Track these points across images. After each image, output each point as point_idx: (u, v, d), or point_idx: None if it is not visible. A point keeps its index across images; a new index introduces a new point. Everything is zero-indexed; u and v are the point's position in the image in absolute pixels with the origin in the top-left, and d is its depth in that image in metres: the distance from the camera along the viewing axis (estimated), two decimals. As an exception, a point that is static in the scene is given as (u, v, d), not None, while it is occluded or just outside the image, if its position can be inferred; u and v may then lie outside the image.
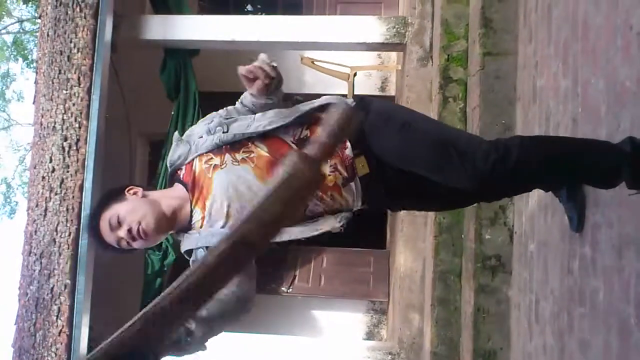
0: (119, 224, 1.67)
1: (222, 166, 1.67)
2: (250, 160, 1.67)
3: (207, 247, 1.65)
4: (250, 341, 4.67)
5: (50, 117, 4.72)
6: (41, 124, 4.79)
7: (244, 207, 1.62)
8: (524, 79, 3.07)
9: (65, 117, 4.69)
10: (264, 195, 1.12)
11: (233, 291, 1.58)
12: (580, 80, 2.21)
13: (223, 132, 1.69)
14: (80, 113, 4.61)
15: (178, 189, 1.75)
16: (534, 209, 2.70)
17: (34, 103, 5.06)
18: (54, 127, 4.70)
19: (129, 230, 1.66)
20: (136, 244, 1.71)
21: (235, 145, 1.69)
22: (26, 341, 4.39)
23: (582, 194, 2.05)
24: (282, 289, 6.08)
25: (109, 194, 1.76)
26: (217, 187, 1.66)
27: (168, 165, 1.80)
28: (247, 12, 7.08)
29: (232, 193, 1.65)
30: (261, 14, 6.29)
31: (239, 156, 1.68)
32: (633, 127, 1.73)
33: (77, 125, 4.63)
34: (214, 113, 1.80)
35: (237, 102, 1.81)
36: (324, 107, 1.72)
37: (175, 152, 1.77)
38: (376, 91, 6.58)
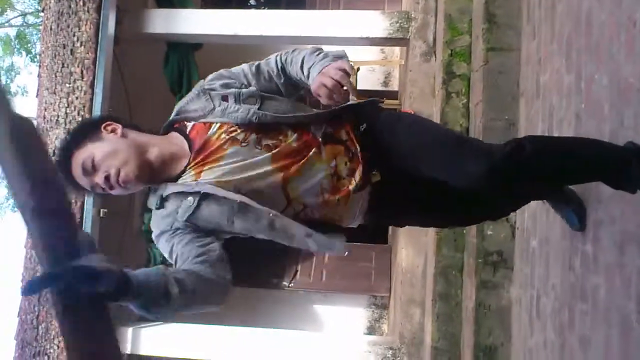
0: (94, 168, 1.44)
1: (243, 144, 1.49)
2: (275, 147, 1.51)
3: (202, 195, 1.46)
4: (252, 335, 4.69)
5: (54, 110, 4.74)
6: (44, 118, 4.80)
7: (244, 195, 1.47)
8: (528, 75, 3.06)
9: (68, 111, 4.71)
10: None
11: (227, 277, 1.46)
12: (584, 76, 2.21)
13: (258, 108, 1.52)
14: (83, 107, 4.63)
15: (177, 140, 1.54)
16: (536, 205, 2.70)
17: (37, 96, 5.07)
18: (57, 120, 4.72)
19: (107, 177, 1.43)
20: (114, 192, 1.47)
21: (265, 126, 1.52)
22: (29, 333, 4.41)
23: (577, 197, 2.04)
24: (284, 283, 6.10)
25: (82, 129, 1.52)
26: (228, 165, 1.48)
27: (176, 110, 1.59)
28: (250, 7, 7.07)
29: (239, 177, 1.48)
30: (264, 9, 6.28)
31: (264, 141, 1.51)
32: (637, 123, 1.72)
33: (80, 119, 4.64)
34: (240, 69, 1.62)
35: (272, 60, 1.61)
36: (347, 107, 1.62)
37: (194, 103, 1.56)
38: (379, 86, 6.58)
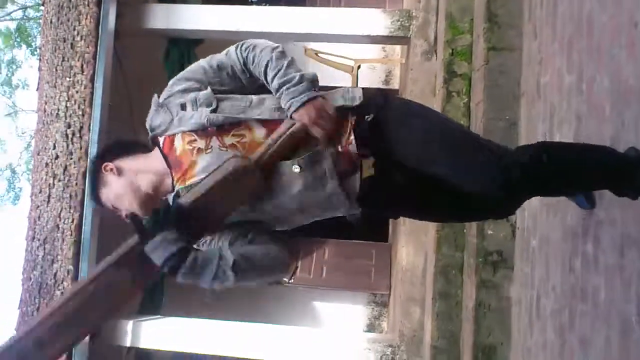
0: (116, 208, 1.63)
1: (207, 151, 1.51)
2: (241, 145, 1.50)
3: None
4: (252, 330, 4.70)
5: (54, 104, 4.73)
6: (45, 111, 4.80)
7: None
8: (529, 75, 3.06)
9: (68, 105, 4.70)
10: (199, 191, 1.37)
11: (281, 250, 1.58)
12: (585, 77, 2.21)
13: (212, 111, 1.51)
14: (84, 100, 4.62)
15: (156, 161, 1.59)
16: (536, 205, 2.71)
17: (37, 90, 5.06)
18: (57, 114, 4.72)
19: (125, 215, 1.59)
20: None
21: (224, 126, 1.52)
22: (29, 327, 4.42)
23: None
24: (284, 279, 6.11)
25: (91, 174, 1.67)
26: (202, 173, 1.51)
27: (148, 129, 1.63)
28: (252, 3, 7.06)
29: None
30: (265, 5, 6.27)
31: (227, 140, 1.51)
32: (638, 125, 1.73)
33: (80, 113, 4.64)
34: (198, 67, 1.61)
35: (233, 54, 1.58)
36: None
37: (156, 119, 1.59)
38: (380, 84, 6.57)
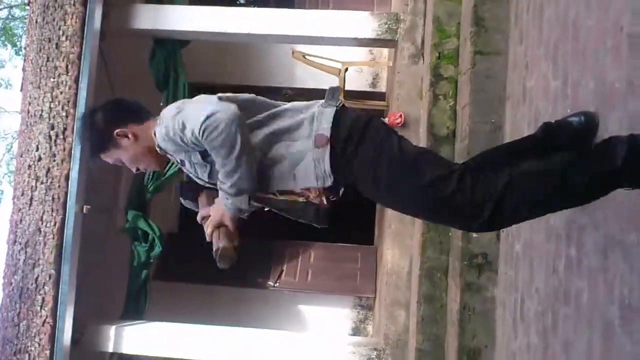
0: (125, 164, 1.92)
1: None
2: None
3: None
4: (237, 335, 4.67)
5: (38, 105, 4.67)
6: (28, 112, 4.73)
7: None
8: (514, 79, 3.07)
9: (52, 105, 4.64)
10: None
11: None
12: (570, 81, 2.22)
13: (205, 172, 1.77)
14: (68, 101, 4.57)
15: None
16: (521, 208, 2.71)
17: (21, 90, 5.00)
18: (41, 115, 4.66)
19: (137, 169, 1.93)
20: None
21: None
22: (9, 331, 4.35)
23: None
24: (269, 283, 6.08)
25: (100, 138, 1.88)
26: None
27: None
28: (239, 4, 7.04)
29: None
30: (253, 7, 6.25)
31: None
32: (621, 128, 1.74)
33: (64, 114, 4.59)
34: (175, 134, 1.72)
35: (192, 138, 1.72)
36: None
37: (165, 144, 1.79)
38: (367, 87, 6.58)
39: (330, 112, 1.69)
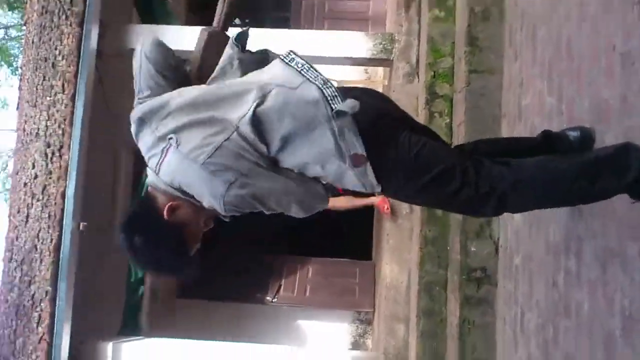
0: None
1: None
2: None
3: None
4: (235, 350, 4.66)
5: (34, 123, 4.69)
6: (24, 130, 4.75)
7: None
8: (509, 97, 3.13)
9: (48, 124, 4.66)
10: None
11: None
12: (565, 99, 2.27)
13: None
14: (64, 120, 4.58)
15: None
16: (519, 222, 2.76)
17: (17, 109, 5.01)
18: (37, 133, 4.67)
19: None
20: None
21: None
22: (6, 348, 4.32)
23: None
24: (268, 298, 6.07)
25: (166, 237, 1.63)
26: None
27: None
28: (235, 25, 7.11)
29: None
30: (249, 27, 6.31)
31: None
32: (617, 145, 1.79)
33: (60, 132, 4.60)
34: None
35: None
36: None
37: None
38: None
39: (351, 124, 1.51)
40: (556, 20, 2.44)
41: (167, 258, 1.62)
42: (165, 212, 1.58)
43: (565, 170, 1.61)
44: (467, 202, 1.61)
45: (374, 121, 1.58)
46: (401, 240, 4.16)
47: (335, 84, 1.58)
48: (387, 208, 4.37)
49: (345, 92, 1.58)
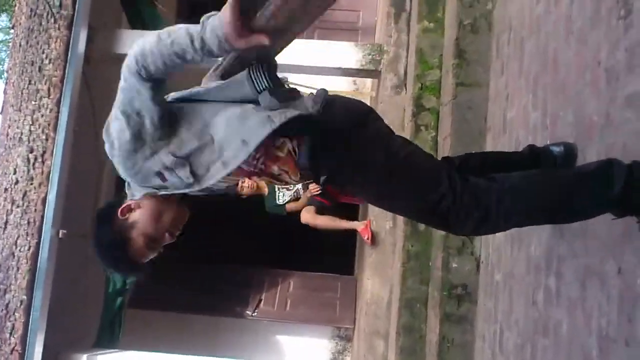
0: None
1: None
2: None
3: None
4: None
5: (17, 127, 4.62)
6: (7, 135, 4.68)
7: None
8: (495, 110, 3.11)
9: (32, 129, 4.60)
10: None
11: None
12: (550, 113, 2.25)
13: (189, 180, 1.47)
14: (48, 124, 4.53)
15: None
16: (500, 239, 2.71)
17: (1, 113, 4.95)
18: (20, 138, 4.61)
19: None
20: None
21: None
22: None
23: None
24: (247, 312, 5.98)
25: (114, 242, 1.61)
26: None
27: None
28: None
29: None
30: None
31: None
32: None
33: (44, 137, 4.54)
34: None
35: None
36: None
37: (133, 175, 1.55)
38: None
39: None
40: (543, 34, 2.42)
41: (116, 259, 1.61)
42: (119, 210, 1.56)
43: (551, 186, 1.57)
44: (447, 214, 1.53)
45: (364, 120, 1.58)
46: (383, 255, 4.10)
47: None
48: (369, 237, 4.27)
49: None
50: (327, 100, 1.55)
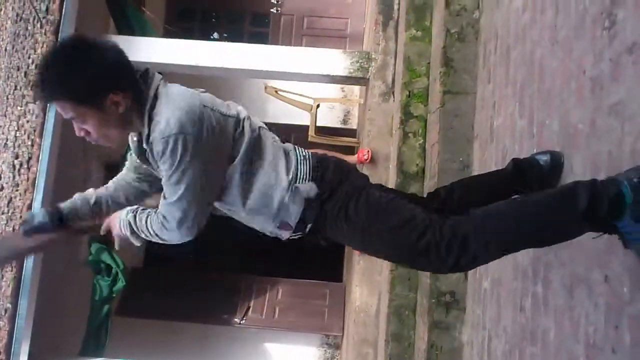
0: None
1: None
2: None
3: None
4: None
5: (3, 133, 4.59)
6: (-8, 140, 4.63)
7: None
8: (482, 118, 3.12)
9: (18, 134, 4.56)
10: None
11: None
12: (536, 121, 2.26)
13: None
14: (34, 130, 4.50)
15: None
16: (488, 246, 2.71)
17: (-15, 118, 4.89)
18: (5, 144, 4.57)
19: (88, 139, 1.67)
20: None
21: None
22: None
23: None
24: (235, 319, 5.95)
25: (93, 83, 1.56)
26: None
27: None
28: (213, 39, 7.08)
29: None
30: (227, 41, 6.30)
31: None
32: (585, 169, 1.76)
33: (29, 143, 4.51)
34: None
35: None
36: None
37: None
38: (338, 123, 6.63)
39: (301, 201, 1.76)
40: (529, 43, 2.43)
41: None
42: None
43: (525, 209, 1.58)
44: (428, 251, 1.56)
45: (346, 175, 1.74)
46: (372, 262, 4.11)
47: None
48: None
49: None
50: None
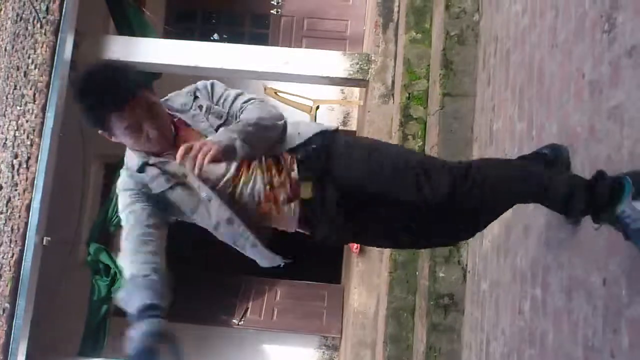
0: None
1: None
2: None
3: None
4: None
5: (2, 133, 4.58)
6: (-9, 140, 4.63)
7: None
8: (482, 121, 3.13)
9: (17, 134, 4.56)
10: None
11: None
12: (535, 124, 2.27)
13: (216, 128, 1.69)
14: (33, 130, 4.49)
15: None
16: (487, 249, 2.73)
17: (-15, 118, 4.90)
18: (4, 143, 4.56)
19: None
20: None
21: None
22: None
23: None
24: (234, 321, 5.95)
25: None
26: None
27: (166, 97, 1.81)
28: (213, 40, 7.08)
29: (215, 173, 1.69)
30: (227, 42, 6.31)
31: None
32: (584, 171, 1.77)
33: (28, 143, 4.50)
34: (227, 94, 1.78)
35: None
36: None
37: (181, 98, 1.78)
38: (338, 125, 6.63)
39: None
40: (529, 46, 2.44)
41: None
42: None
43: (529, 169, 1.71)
44: (433, 168, 1.63)
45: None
46: (371, 264, 4.11)
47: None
48: (357, 247, 4.30)
49: None
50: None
